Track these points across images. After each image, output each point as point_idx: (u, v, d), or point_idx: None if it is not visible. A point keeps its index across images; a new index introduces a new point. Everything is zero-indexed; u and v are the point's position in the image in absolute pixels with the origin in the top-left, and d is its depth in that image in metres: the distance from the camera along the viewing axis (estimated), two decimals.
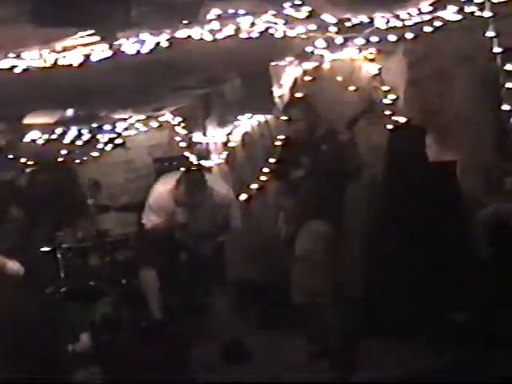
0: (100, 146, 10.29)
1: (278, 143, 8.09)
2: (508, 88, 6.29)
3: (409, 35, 6.84)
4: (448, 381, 5.31)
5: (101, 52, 6.07)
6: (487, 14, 6.29)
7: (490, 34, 6.33)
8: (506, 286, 5.63)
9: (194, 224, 7.33)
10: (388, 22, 6.59)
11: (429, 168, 6.90)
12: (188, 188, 7.27)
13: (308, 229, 6.34)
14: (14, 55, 5.90)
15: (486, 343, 5.51)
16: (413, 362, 5.80)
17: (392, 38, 6.94)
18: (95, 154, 10.32)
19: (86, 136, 10.00)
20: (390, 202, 6.99)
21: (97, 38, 5.89)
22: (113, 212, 8.89)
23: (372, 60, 7.61)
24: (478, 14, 6.36)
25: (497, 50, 6.29)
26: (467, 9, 6.36)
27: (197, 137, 9.80)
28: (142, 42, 6.07)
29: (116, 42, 6.01)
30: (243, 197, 8.62)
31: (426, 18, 6.55)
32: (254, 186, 8.50)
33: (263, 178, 8.39)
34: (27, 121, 8.65)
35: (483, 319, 5.80)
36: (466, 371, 5.27)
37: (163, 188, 7.47)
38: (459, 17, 6.42)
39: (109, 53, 6.09)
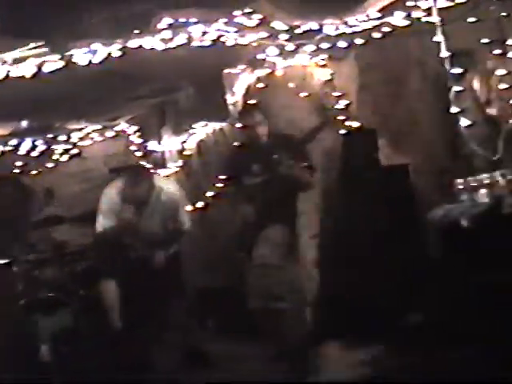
0: (55, 156, 10.22)
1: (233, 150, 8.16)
2: (456, 91, 6.39)
3: (358, 41, 6.92)
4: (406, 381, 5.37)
5: (53, 63, 6.06)
6: (434, 19, 6.38)
7: (437, 38, 6.42)
8: (458, 286, 5.71)
9: (145, 225, 7.26)
10: (337, 28, 6.67)
11: (381, 171, 6.99)
12: (132, 182, 7.22)
13: (264, 235, 6.39)
14: None
15: (441, 344, 5.57)
16: (371, 364, 5.85)
17: (342, 44, 7.02)
18: (50, 164, 10.25)
19: (41, 147, 9.94)
20: (343, 206, 7.07)
21: (48, 49, 5.89)
22: (69, 223, 8.84)
23: (324, 66, 7.69)
24: (425, 19, 6.45)
25: (444, 54, 6.38)
26: (414, 14, 6.46)
27: (152, 145, 9.79)
28: (94, 53, 6.08)
29: (68, 53, 6.01)
30: (200, 204, 8.62)
31: (375, 23, 6.63)
32: (210, 194, 8.51)
33: (219, 185, 8.40)
34: None
35: (437, 320, 5.87)
36: (421, 372, 5.33)
37: (112, 190, 7.41)
38: (407, 22, 6.52)
39: (61, 63, 6.08)
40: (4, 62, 5.95)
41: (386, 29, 6.68)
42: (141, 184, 7.18)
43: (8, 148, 9.58)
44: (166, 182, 7.71)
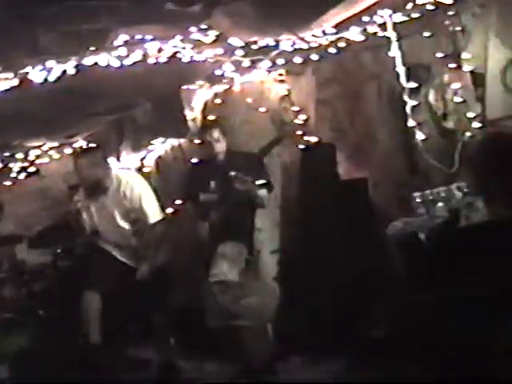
0: (13, 174, 10.12)
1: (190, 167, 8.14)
2: (412, 105, 6.44)
3: (314, 57, 6.95)
4: None
5: (6, 81, 6.00)
6: (390, 33, 6.43)
7: (393, 53, 6.46)
8: (417, 298, 5.72)
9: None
10: (294, 44, 6.70)
11: (340, 186, 7.00)
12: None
13: (221, 252, 6.37)
14: None
15: (404, 358, 5.58)
16: (333, 378, 5.85)
17: (298, 60, 7.04)
18: (8, 183, 10.15)
19: None
20: (303, 220, 7.08)
21: (2, 67, 5.84)
22: (27, 241, 8.75)
23: (281, 81, 7.71)
24: (380, 34, 6.50)
25: (400, 68, 6.43)
26: (370, 29, 6.50)
27: (111, 162, 9.72)
28: (49, 70, 6.04)
29: (22, 71, 5.96)
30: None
31: (331, 39, 6.67)
32: (170, 211, 8.47)
33: (178, 201, 8.37)
34: None
35: (397, 333, 5.87)
36: None
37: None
38: (362, 37, 6.56)
39: (15, 81, 6.03)
40: None
41: (342, 44, 6.71)
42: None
43: None
44: (131, 175, 7.65)
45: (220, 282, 6.23)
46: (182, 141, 8.62)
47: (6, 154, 9.63)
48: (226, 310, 6.19)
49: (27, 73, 6.00)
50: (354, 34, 6.53)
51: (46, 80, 6.10)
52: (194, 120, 8.34)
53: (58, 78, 6.11)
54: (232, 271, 6.29)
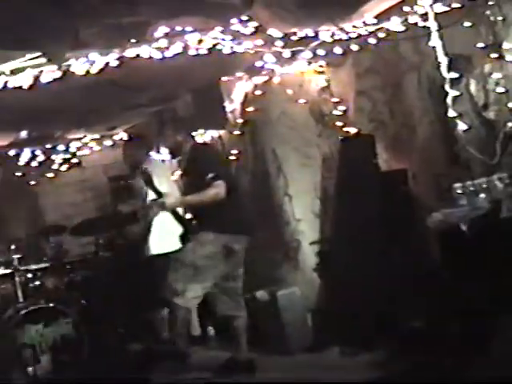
0: (55, 166, 10.23)
1: (231, 157, 8.20)
2: (453, 95, 6.40)
3: (354, 47, 6.95)
4: None
5: (50, 73, 6.08)
6: (430, 24, 6.40)
7: (434, 43, 6.43)
8: (457, 290, 5.70)
9: None
10: (333, 34, 6.69)
11: (380, 176, 7.00)
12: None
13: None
14: None
15: (440, 351, 5.57)
16: (372, 369, 5.85)
17: (338, 50, 7.04)
18: (50, 174, 10.26)
19: (41, 157, 9.96)
20: (342, 211, 7.09)
21: (45, 60, 5.91)
22: (69, 232, 8.83)
23: (321, 72, 7.72)
24: (421, 24, 6.47)
25: (441, 58, 6.40)
26: (411, 19, 6.48)
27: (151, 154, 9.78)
28: (92, 62, 6.11)
29: (65, 63, 6.03)
30: None
31: (371, 29, 6.65)
32: None
33: None
34: None
35: (437, 325, 5.86)
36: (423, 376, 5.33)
37: None
38: (403, 28, 6.54)
39: (58, 74, 6.10)
40: (2, 73, 5.97)
41: (382, 34, 6.70)
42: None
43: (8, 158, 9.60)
44: None
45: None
46: (221, 132, 8.66)
47: (48, 145, 9.74)
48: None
49: (70, 65, 6.07)
50: (395, 24, 6.51)
51: (88, 72, 6.16)
52: (232, 112, 8.38)
53: (101, 71, 6.16)
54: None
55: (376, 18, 6.55)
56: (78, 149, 10.09)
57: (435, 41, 6.40)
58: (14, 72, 6.00)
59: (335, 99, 7.62)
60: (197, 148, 6.86)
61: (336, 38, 6.73)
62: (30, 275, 8.12)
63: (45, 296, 7.89)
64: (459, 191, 6.00)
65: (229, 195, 6.38)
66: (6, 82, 6.07)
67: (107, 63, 6.15)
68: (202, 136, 8.86)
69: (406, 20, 6.49)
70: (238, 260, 6.63)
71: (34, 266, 8.31)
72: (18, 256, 8.12)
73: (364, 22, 6.55)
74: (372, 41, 6.77)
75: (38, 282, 8.17)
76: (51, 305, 7.62)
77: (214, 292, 6.64)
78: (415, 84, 6.90)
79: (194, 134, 8.48)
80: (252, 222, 6.89)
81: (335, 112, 7.60)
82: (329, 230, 7.46)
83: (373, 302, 6.48)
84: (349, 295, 6.67)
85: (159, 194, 6.77)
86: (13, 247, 8.13)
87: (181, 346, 6.60)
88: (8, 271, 7.83)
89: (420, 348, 5.71)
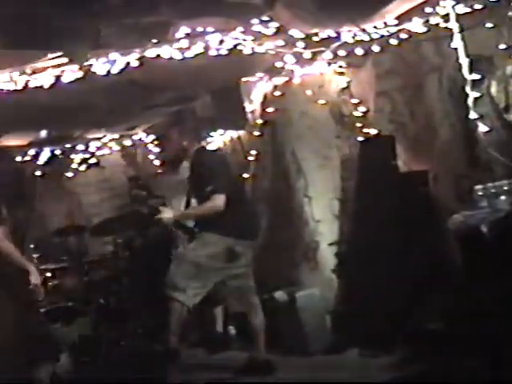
0: (74, 166, 10.27)
1: (250, 158, 8.20)
2: (474, 97, 6.37)
3: (375, 48, 6.93)
4: None
5: (71, 73, 6.10)
6: (452, 25, 6.37)
7: (455, 44, 6.40)
8: (477, 294, 5.67)
9: None
10: (355, 35, 6.68)
11: (399, 178, 6.97)
12: None
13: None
14: None
15: (459, 352, 5.54)
16: (389, 371, 5.83)
17: (359, 51, 7.02)
18: (69, 174, 10.30)
19: (60, 157, 9.98)
20: (362, 213, 7.07)
21: (67, 60, 5.93)
22: (88, 232, 8.88)
23: (341, 73, 7.70)
24: (443, 25, 6.45)
25: (463, 60, 6.36)
26: (432, 20, 6.45)
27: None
28: (113, 62, 6.12)
29: (86, 63, 6.05)
30: None
31: (392, 30, 6.64)
32: None
33: None
34: (1, 143, 8.63)
35: (457, 327, 5.83)
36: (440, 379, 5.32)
37: None
38: (424, 29, 6.52)
39: (79, 74, 6.12)
40: (23, 73, 6.00)
41: (403, 35, 6.68)
42: None
43: (27, 158, 9.63)
44: None
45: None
46: (241, 133, 8.66)
47: (68, 145, 9.78)
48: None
49: (91, 65, 6.09)
50: (416, 25, 6.49)
51: (109, 72, 6.18)
52: (252, 112, 8.38)
53: (121, 71, 6.18)
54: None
55: (397, 18, 6.53)
56: (98, 148, 10.12)
57: (457, 42, 6.36)
58: (35, 72, 6.03)
59: (355, 100, 7.60)
60: (201, 152, 6.88)
61: (357, 38, 6.71)
62: (49, 274, 8.17)
63: (64, 295, 7.93)
64: (480, 193, 5.97)
65: (232, 202, 6.43)
66: (27, 82, 6.10)
67: (128, 63, 6.16)
68: (222, 136, 8.89)
69: (428, 21, 6.47)
70: (243, 261, 6.65)
71: (53, 266, 8.37)
72: (38, 255, 8.17)
73: (385, 23, 6.53)
74: (393, 42, 6.75)
75: (57, 282, 8.22)
76: (70, 304, 7.66)
77: (223, 291, 6.71)
78: (436, 85, 6.87)
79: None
80: (257, 226, 6.92)
81: (355, 113, 7.58)
82: (348, 231, 7.44)
83: (391, 303, 6.45)
84: (367, 296, 6.65)
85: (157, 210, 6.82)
86: (32, 246, 8.19)
87: (175, 344, 6.55)
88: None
89: (439, 349, 5.70)
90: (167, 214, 6.64)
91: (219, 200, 6.38)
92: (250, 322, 6.80)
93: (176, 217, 6.68)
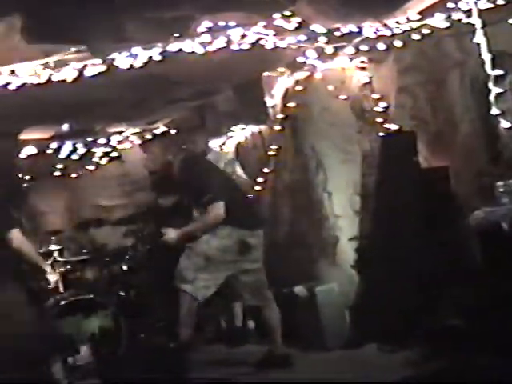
0: (95, 159, 10.30)
1: (271, 153, 8.21)
2: (497, 93, 6.35)
3: (397, 43, 6.91)
4: None
5: (94, 67, 6.13)
6: (475, 20, 6.35)
7: (478, 40, 6.38)
8: (497, 290, 5.66)
9: None
10: (377, 30, 6.67)
11: (420, 174, 6.96)
12: None
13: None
14: (9, 72, 5.97)
15: (478, 349, 5.53)
16: (408, 367, 5.83)
17: (381, 46, 7.01)
18: (90, 167, 10.34)
19: (81, 150, 10.03)
20: (382, 208, 7.06)
21: (90, 53, 5.96)
22: (109, 225, 8.92)
23: (363, 69, 7.69)
24: (465, 20, 6.43)
25: (485, 55, 6.35)
26: (455, 16, 6.43)
27: None
28: (135, 56, 6.14)
29: (109, 57, 6.08)
30: None
31: (414, 25, 6.62)
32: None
33: (257, 187, 8.46)
34: (23, 136, 8.68)
35: (475, 324, 5.82)
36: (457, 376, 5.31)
37: None
38: (447, 24, 6.50)
39: (102, 68, 6.15)
40: (46, 67, 6.03)
41: (425, 31, 6.66)
42: None
43: (49, 151, 9.68)
44: None
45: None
46: (262, 127, 8.67)
47: (90, 138, 9.81)
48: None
49: (113, 59, 6.12)
50: (439, 20, 6.46)
51: (131, 66, 6.20)
52: (273, 107, 8.39)
53: (144, 65, 6.20)
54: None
55: (420, 14, 6.51)
56: (119, 142, 10.15)
57: (479, 38, 6.35)
58: (58, 65, 6.06)
59: (376, 95, 7.59)
60: (187, 161, 6.87)
61: (379, 33, 6.70)
62: (69, 267, 8.21)
63: (84, 287, 7.97)
64: (501, 190, 5.96)
65: (236, 199, 6.50)
66: (50, 76, 6.13)
67: (150, 57, 6.18)
68: (243, 131, 8.90)
69: (450, 17, 6.45)
70: (254, 255, 6.68)
71: (73, 258, 8.41)
72: (59, 247, 8.22)
73: (408, 18, 6.52)
74: (415, 37, 6.73)
75: (77, 274, 8.26)
76: (90, 296, 7.70)
77: (236, 285, 6.72)
78: (458, 81, 6.85)
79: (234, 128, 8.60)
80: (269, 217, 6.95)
81: (376, 108, 7.56)
82: (368, 226, 7.43)
83: (411, 299, 6.45)
84: (386, 292, 6.64)
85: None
86: (53, 239, 8.24)
87: (187, 337, 6.57)
88: (48, 262, 7.90)
89: (458, 346, 5.69)
90: (171, 235, 6.63)
91: (219, 209, 6.41)
92: (265, 317, 6.83)
93: (179, 236, 6.63)
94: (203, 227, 6.53)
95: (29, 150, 9.41)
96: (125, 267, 8.28)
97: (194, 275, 6.40)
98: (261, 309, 6.85)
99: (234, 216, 6.45)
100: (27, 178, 9.79)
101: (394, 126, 7.40)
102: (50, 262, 7.81)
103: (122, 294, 8.16)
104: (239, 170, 8.11)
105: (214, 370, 6.75)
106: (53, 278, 6.22)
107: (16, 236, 5.93)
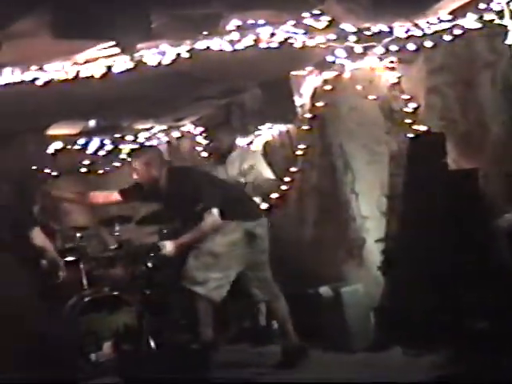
0: (122, 156, 10.32)
1: (298, 152, 8.16)
2: None
3: (428, 44, 6.85)
4: None
5: (122, 63, 6.12)
6: (507, 21, 6.28)
7: (509, 41, 6.31)
8: None
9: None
10: (407, 30, 6.62)
11: (449, 176, 6.90)
12: None
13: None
14: (37, 67, 5.98)
15: (505, 352, 5.48)
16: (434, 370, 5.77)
17: (411, 46, 6.95)
18: (117, 164, 10.36)
19: (109, 146, 10.06)
20: (410, 210, 7.01)
21: (118, 50, 5.95)
22: (134, 222, 8.92)
23: (392, 69, 7.63)
24: (497, 21, 6.35)
25: None
26: (486, 16, 6.36)
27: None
28: (163, 54, 6.14)
29: (137, 54, 6.07)
30: (263, 206, 8.60)
31: (446, 26, 6.56)
32: (275, 196, 8.51)
33: (284, 187, 8.43)
34: (51, 132, 8.71)
35: (502, 328, 5.77)
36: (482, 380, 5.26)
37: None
38: (479, 25, 6.43)
39: (130, 64, 6.15)
40: (74, 63, 6.04)
41: (456, 31, 6.59)
42: None
43: (76, 147, 9.72)
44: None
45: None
46: (289, 126, 8.63)
47: (117, 135, 9.83)
48: None
49: (142, 56, 6.11)
50: (470, 21, 6.40)
51: (159, 63, 6.19)
52: (302, 106, 8.35)
53: (172, 62, 6.19)
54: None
55: (451, 14, 6.44)
56: (147, 139, 10.16)
57: (511, 39, 6.28)
58: (86, 62, 6.07)
59: (405, 96, 7.52)
60: (173, 172, 6.89)
61: (410, 34, 6.65)
62: (94, 263, 8.23)
63: (109, 284, 7.98)
64: None
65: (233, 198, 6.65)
66: (78, 72, 6.13)
67: (178, 54, 6.17)
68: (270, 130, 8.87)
69: (482, 17, 6.38)
70: (261, 245, 6.75)
71: (98, 255, 8.43)
72: (84, 244, 8.24)
73: (439, 19, 6.45)
74: (447, 38, 6.66)
75: (102, 271, 8.27)
76: (114, 293, 7.71)
77: (246, 281, 6.73)
78: (489, 82, 6.78)
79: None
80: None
81: (405, 109, 7.50)
82: (395, 228, 7.38)
83: (437, 301, 6.39)
84: (412, 294, 6.60)
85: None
86: (79, 235, 8.26)
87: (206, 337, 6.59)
88: (73, 259, 7.92)
89: (485, 349, 5.65)
90: (168, 248, 6.68)
91: (214, 216, 6.45)
92: (275, 312, 6.93)
93: (177, 247, 6.64)
94: (200, 235, 6.55)
95: (56, 146, 9.44)
96: (149, 264, 8.25)
97: (204, 275, 6.42)
98: (270, 303, 6.94)
99: (236, 210, 6.56)
100: (54, 173, 9.81)
101: (422, 127, 7.34)
102: (74, 258, 7.85)
103: (146, 291, 8.14)
104: (265, 170, 8.05)
105: (237, 370, 6.74)
106: (62, 274, 6.24)
107: (37, 234, 5.96)
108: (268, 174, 7.98)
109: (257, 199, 7.68)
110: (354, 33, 6.54)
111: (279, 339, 7.01)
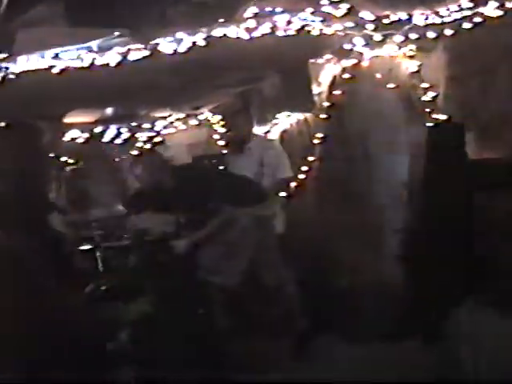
0: (139, 144, 10.30)
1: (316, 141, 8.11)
2: None
3: (448, 32, 6.77)
4: None
5: (138, 52, 6.10)
6: None
7: None
8: None
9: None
10: (427, 18, 6.55)
11: (469, 166, 6.84)
12: None
13: None
14: (53, 55, 5.96)
15: None
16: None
17: (431, 34, 6.88)
18: (134, 152, 10.34)
19: (126, 134, 10.04)
20: (428, 200, 6.96)
21: (134, 38, 5.93)
22: (151, 211, 8.89)
23: (411, 57, 7.57)
24: None
25: None
26: (508, 4, 6.28)
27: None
28: (179, 42, 6.11)
29: (152, 42, 6.05)
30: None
31: (466, 14, 6.48)
32: (293, 184, 8.47)
33: (301, 176, 8.38)
34: (67, 120, 8.70)
35: None
36: None
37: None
38: (500, 12, 6.35)
39: (145, 52, 6.12)
40: (90, 50, 6.02)
41: (477, 19, 6.52)
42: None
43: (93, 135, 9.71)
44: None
45: None
46: (307, 115, 8.58)
47: (134, 123, 9.81)
48: None
49: (157, 44, 6.08)
50: (491, 9, 6.32)
51: (175, 51, 6.16)
52: (320, 94, 8.30)
53: (188, 50, 6.16)
54: None
55: (472, 2, 6.36)
56: (164, 127, 10.13)
57: None
58: (102, 50, 6.05)
59: (425, 85, 7.45)
60: (176, 172, 7.03)
61: (429, 21, 6.58)
62: (110, 252, 8.22)
63: (125, 273, 7.97)
64: None
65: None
66: (93, 60, 6.11)
67: (194, 43, 6.14)
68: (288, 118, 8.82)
69: (504, 5, 6.30)
70: (272, 226, 6.89)
71: (115, 243, 8.42)
72: (100, 232, 8.23)
73: (459, 6, 6.38)
74: (467, 25, 6.59)
75: (118, 259, 8.26)
76: (131, 282, 7.70)
77: (257, 266, 6.70)
78: (509, 71, 6.71)
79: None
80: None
81: (425, 98, 7.43)
82: (414, 218, 7.33)
83: (456, 292, 6.34)
84: (432, 285, 6.54)
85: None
86: (95, 224, 8.25)
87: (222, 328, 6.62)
88: (89, 247, 7.92)
89: None
90: (181, 247, 6.85)
91: (225, 213, 6.53)
92: (284, 293, 6.87)
93: (189, 246, 6.82)
94: (212, 233, 6.61)
95: (73, 134, 9.43)
96: (166, 254, 8.25)
97: (218, 264, 6.43)
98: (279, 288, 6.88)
99: (244, 197, 6.58)
100: (70, 161, 9.80)
101: (442, 116, 7.27)
102: (90, 246, 7.86)
103: (163, 280, 8.14)
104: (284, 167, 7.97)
105: (252, 363, 6.72)
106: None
107: (56, 221, 5.96)
108: (287, 171, 7.86)
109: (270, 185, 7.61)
110: (372, 21, 6.48)
111: (287, 326, 6.97)
